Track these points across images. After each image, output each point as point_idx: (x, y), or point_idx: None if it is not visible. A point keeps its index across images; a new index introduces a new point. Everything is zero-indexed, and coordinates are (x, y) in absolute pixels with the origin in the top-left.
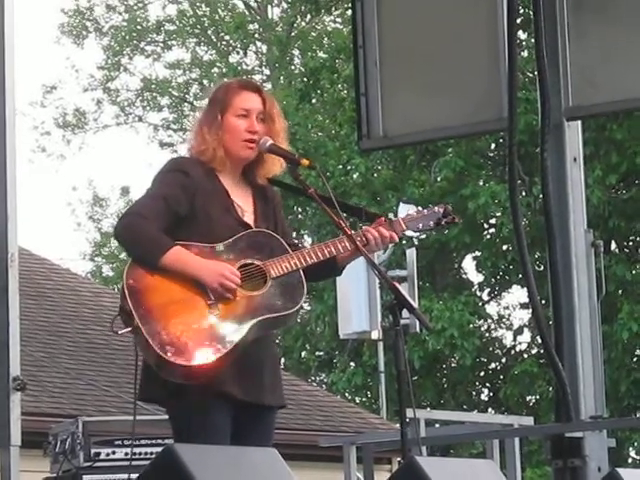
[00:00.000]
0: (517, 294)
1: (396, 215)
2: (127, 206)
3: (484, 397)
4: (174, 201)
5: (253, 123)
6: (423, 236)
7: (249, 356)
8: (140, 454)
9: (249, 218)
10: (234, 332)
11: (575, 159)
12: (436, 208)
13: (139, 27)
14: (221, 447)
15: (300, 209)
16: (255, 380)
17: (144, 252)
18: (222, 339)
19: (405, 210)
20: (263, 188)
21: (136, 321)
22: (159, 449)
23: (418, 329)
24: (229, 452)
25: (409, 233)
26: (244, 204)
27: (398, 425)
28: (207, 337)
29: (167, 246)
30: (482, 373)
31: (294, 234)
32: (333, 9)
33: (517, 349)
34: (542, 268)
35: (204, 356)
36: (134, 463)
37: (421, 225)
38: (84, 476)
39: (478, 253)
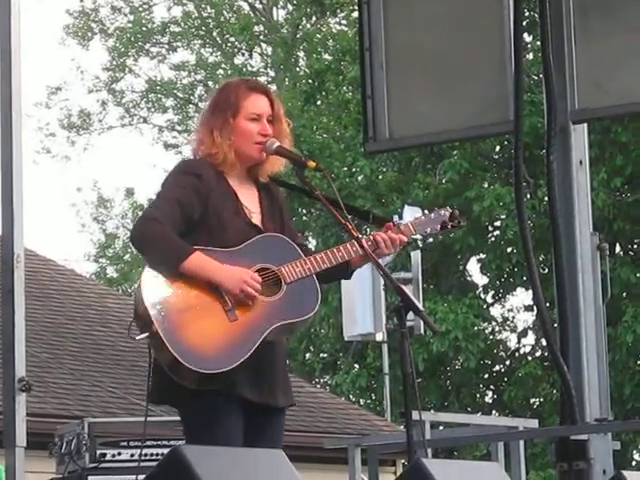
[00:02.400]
0: (521, 296)
1: (401, 217)
2: (132, 207)
3: (488, 399)
4: (188, 205)
5: (265, 126)
6: (430, 239)
7: (262, 358)
8: (147, 455)
9: (257, 219)
10: (250, 339)
11: (581, 162)
12: (442, 211)
13: (144, 29)
14: (227, 448)
15: (305, 211)
16: (269, 382)
17: (163, 257)
18: (239, 346)
19: (410, 213)
20: (267, 186)
21: (155, 326)
22: (166, 450)
23: (422, 331)
24: (235, 453)
25: (417, 237)
26: (251, 205)
27: (402, 427)
28: (224, 344)
29: (187, 251)
30: (486, 375)
31: (298, 235)
32: (338, 11)
33: (521, 351)
34: (547, 271)
35: (220, 363)
36: (141, 464)
37: (429, 229)
38: (90, 477)
39: (483, 255)
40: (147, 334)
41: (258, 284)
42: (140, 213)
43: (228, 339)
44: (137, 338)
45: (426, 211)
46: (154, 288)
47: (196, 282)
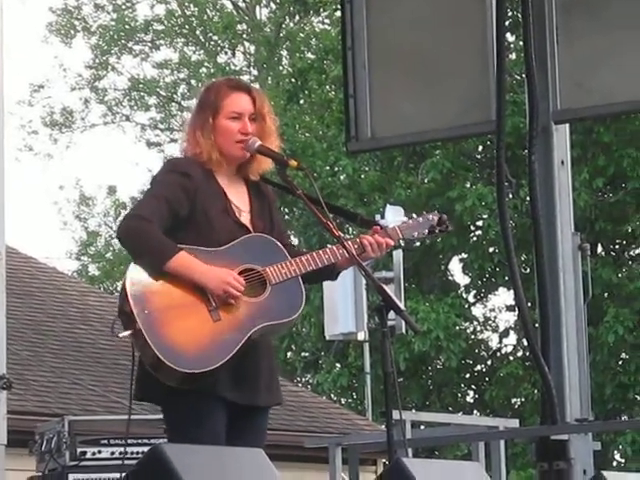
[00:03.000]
0: (503, 296)
1: (383, 217)
2: (114, 205)
3: (469, 399)
4: (176, 203)
5: (246, 124)
6: (417, 243)
7: (246, 359)
8: (128, 453)
9: (245, 218)
10: (234, 339)
11: (563, 162)
12: (430, 216)
13: (127, 27)
14: (207, 447)
15: (287, 210)
16: (251, 383)
17: (149, 255)
18: (222, 346)
19: (392, 212)
20: (257, 184)
21: (138, 324)
22: (147, 449)
23: (404, 330)
24: (216, 452)
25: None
26: (240, 203)
27: (384, 426)
28: (207, 343)
29: (173, 251)
30: (468, 375)
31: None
32: (321, 10)
33: (503, 351)
34: (529, 270)
35: (203, 363)
36: (121, 462)
37: (416, 233)
38: (70, 475)
39: (465, 255)
40: (130, 331)
41: (241, 285)
42: (126, 211)
43: (211, 339)
44: (120, 335)
45: (414, 215)
46: (139, 285)
47: (180, 281)
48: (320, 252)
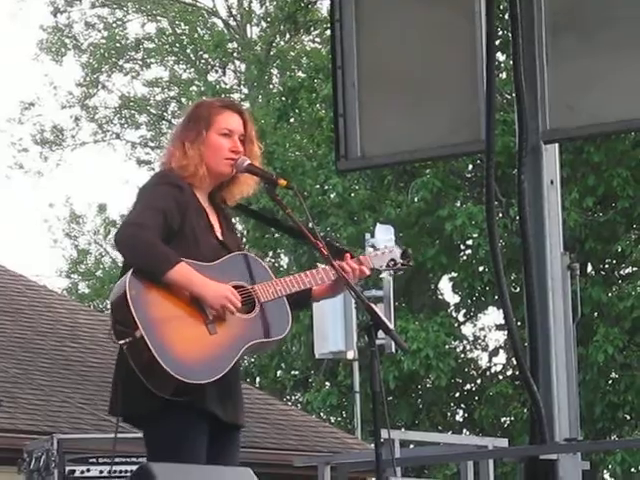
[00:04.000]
0: (493, 315)
1: (373, 236)
2: (104, 223)
3: (459, 418)
4: (170, 215)
5: (236, 143)
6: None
7: (228, 376)
8: (116, 472)
9: (221, 238)
10: (229, 354)
11: (552, 182)
12: (395, 249)
13: (118, 45)
14: (196, 466)
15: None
16: (233, 401)
17: (151, 264)
18: (217, 361)
19: (382, 231)
20: (225, 211)
21: (140, 331)
22: (135, 467)
23: (394, 349)
24: (204, 471)
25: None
26: (214, 222)
27: (373, 445)
28: (204, 356)
29: (174, 260)
30: (457, 394)
31: (270, 253)
32: (312, 29)
33: (492, 370)
34: (518, 290)
35: (199, 375)
36: None
37: (383, 264)
38: None
39: (454, 274)
40: (130, 338)
41: (239, 301)
42: (116, 229)
43: (208, 352)
44: (120, 342)
45: (384, 245)
46: (139, 293)
47: (179, 291)
48: (302, 275)
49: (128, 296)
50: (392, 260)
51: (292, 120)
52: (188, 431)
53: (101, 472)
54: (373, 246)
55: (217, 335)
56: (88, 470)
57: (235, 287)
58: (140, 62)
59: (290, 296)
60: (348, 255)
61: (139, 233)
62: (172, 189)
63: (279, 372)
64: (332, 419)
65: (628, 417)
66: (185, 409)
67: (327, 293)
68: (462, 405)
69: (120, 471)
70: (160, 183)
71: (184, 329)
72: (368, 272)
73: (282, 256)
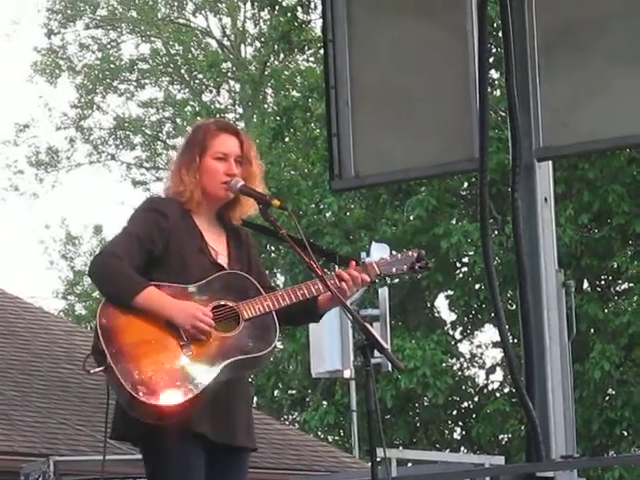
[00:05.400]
0: (489, 333)
1: (368, 254)
2: (100, 244)
3: (456, 436)
4: (148, 240)
5: (231, 166)
6: (396, 280)
7: (222, 397)
8: None
9: (223, 260)
10: (206, 373)
11: (546, 199)
12: (410, 252)
13: (112, 66)
14: None
15: (273, 247)
16: (228, 421)
17: (118, 291)
18: (193, 380)
19: (377, 250)
20: (236, 230)
21: (108, 360)
22: None
23: (390, 368)
24: None
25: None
26: (218, 246)
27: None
28: (179, 378)
29: (141, 286)
30: (454, 412)
31: (266, 272)
32: (306, 48)
33: (489, 388)
34: (514, 307)
35: (175, 397)
36: None
37: (394, 269)
38: None
39: (451, 292)
40: (102, 368)
41: (211, 320)
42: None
43: (183, 373)
44: (92, 372)
45: (393, 252)
46: (110, 321)
47: (151, 316)
48: (295, 288)
49: (98, 324)
50: (410, 264)
51: (287, 139)
52: (181, 454)
53: None
54: (391, 253)
55: (191, 357)
56: None
57: (217, 306)
58: (134, 83)
59: (289, 309)
60: (353, 263)
61: (108, 262)
62: (153, 214)
63: (276, 392)
64: (329, 438)
65: (625, 433)
66: (174, 432)
67: (333, 302)
68: (460, 423)
69: None
70: (143, 209)
71: (157, 353)
72: (369, 279)
73: (278, 275)
